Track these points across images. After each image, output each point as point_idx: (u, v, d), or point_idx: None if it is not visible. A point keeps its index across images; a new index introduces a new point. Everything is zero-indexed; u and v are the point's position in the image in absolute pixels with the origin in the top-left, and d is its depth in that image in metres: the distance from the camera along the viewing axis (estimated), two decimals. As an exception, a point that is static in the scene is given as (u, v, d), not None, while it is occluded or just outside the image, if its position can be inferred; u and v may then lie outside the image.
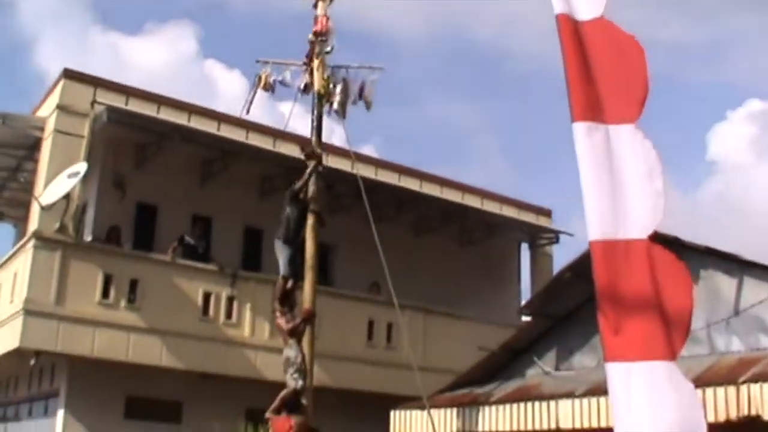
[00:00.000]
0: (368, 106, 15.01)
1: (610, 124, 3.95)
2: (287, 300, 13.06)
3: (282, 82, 14.91)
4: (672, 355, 3.45)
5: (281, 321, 12.71)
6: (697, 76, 68.54)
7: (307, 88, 14.57)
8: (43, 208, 17.69)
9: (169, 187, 20.67)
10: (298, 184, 13.60)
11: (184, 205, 20.85)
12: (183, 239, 19.77)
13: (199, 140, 19.91)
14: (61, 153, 18.48)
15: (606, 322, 3.65)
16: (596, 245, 3.76)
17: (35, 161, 20.10)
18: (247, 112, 15.32)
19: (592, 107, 3.79)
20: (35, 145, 20.04)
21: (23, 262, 18.10)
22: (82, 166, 17.64)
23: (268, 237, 21.68)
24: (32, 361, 17.89)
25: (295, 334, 12.58)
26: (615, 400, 3.47)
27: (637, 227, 3.67)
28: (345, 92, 14.55)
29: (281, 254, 13.59)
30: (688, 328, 3.50)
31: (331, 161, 19.17)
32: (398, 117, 66.11)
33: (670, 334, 3.48)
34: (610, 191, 3.84)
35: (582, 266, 14.72)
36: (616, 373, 3.49)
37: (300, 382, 12.11)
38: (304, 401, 12.36)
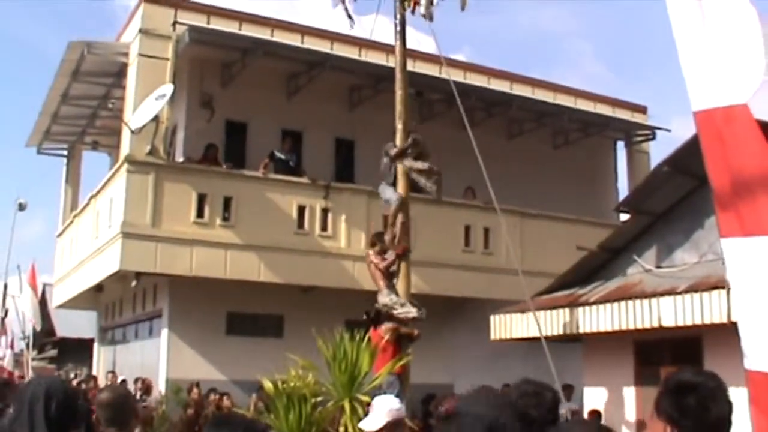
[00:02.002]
0: (463, 4, 14.36)
1: None
2: (382, 237, 12.82)
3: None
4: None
5: (376, 260, 12.41)
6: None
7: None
8: (133, 133, 17.82)
9: (256, 104, 20.61)
10: (395, 151, 13.12)
11: (273, 120, 20.82)
12: (274, 155, 19.77)
13: (283, 54, 19.70)
14: (146, 77, 18.50)
15: (717, 197, 3.38)
16: (700, 116, 3.46)
17: (123, 88, 20.20)
18: (351, 24, 14.84)
19: None
20: (121, 72, 20.15)
21: (118, 186, 18.39)
22: (168, 88, 17.65)
23: (359, 147, 21.69)
24: (134, 283, 18.27)
25: (389, 273, 12.35)
26: (732, 276, 3.22)
27: (739, 93, 3.37)
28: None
29: (385, 193, 13.22)
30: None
31: (419, 67, 18.89)
32: (487, 24, 65.12)
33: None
34: (710, 58, 3.52)
35: (681, 160, 14.33)
36: (731, 248, 3.23)
37: (413, 311, 11.96)
38: (416, 332, 12.24)
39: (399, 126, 13.31)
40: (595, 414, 15.20)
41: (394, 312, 11.83)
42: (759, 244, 3.19)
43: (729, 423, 3.59)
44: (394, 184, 13.19)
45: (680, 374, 3.79)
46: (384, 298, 12.02)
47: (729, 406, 3.58)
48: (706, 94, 3.45)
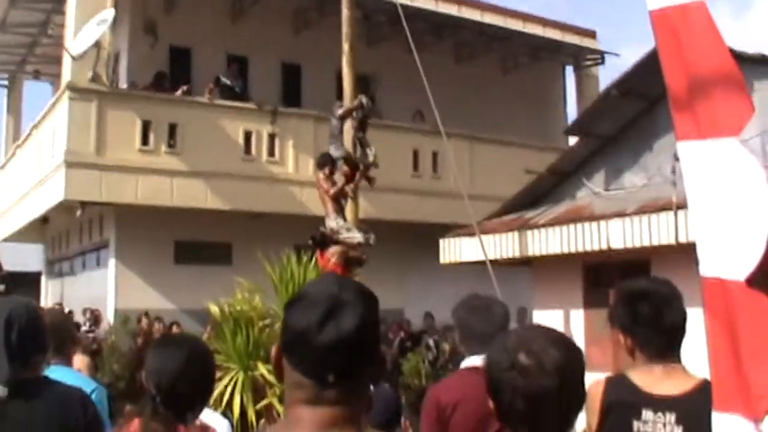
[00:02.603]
0: None
1: None
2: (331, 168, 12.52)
3: None
4: (737, 130, 3.07)
5: (325, 184, 12.15)
6: None
7: None
8: (74, 59, 17.36)
9: (200, 29, 20.20)
10: (341, 112, 12.70)
11: (218, 45, 20.42)
12: (219, 80, 19.45)
13: (226, -24, 19.30)
14: (87, 2, 17.92)
15: (673, 99, 3.25)
16: (655, 14, 3.31)
17: (63, 14, 19.59)
18: None
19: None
20: (61, -3, 19.58)
21: (60, 115, 17.97)
22: (109, 13, 17.18)
23: (306, 72, 21.43)
24: (78, 212, 17.95)
25: (337, 198, 12.14)
26: (687, 179, 3.12)
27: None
28: None
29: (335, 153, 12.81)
30: (752, 104, 3.10)
31: (366, -11, 18.57)
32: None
33: (736, 108, 3.10)
34: None
35: (630, 82, 14.30)
36: (687, 152, 3.12)
37: (358, 236, 11.79)
38: (364, 256, 12.06)
39: (345, 47, 13.05)
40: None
41: (340, 237, 11.67)
42: (715, 146, 3.09)
43: (683, 330, 3.53)
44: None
45: (633, 282, 3.72)
46: (331, 222, 11.85)
47: (683, 313, 3.52)
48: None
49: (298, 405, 2.04)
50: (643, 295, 3.54)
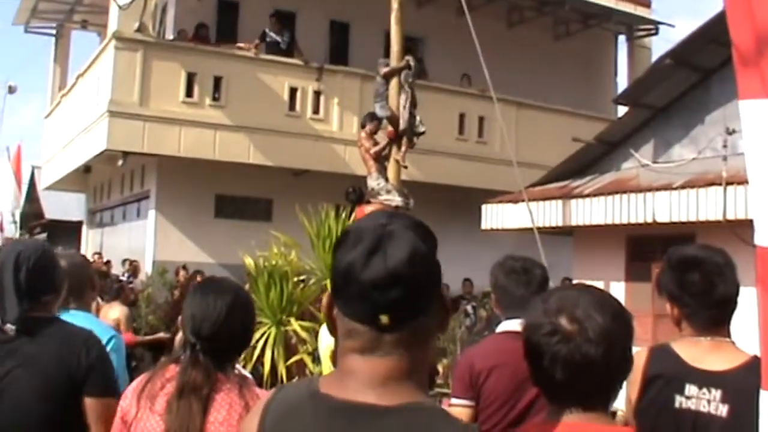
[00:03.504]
0: None
1: None
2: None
3: None
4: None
5: (366, 143, 12.00)
6: None
7: None
8: (120, 8, 17.27)
9: (249, -18, 20.02)
10: (386, 70, 12.45)
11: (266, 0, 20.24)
12: (265, 35, 19.26)
13: (279, -71, 19.09)
14: (136, -49, 17.84)
15: (738, 56, 3.03)
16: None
17: (112, -38, 19.55)
18: None
19: None
20: (114, -53, 19.46)
21: (105, 64, 17.97)
22: (159, -39, 17.11)
23: (354, 30, 21.23)
24: (120, 162, 17.97)
25: (380, 158, 12.00)
26: (746, 141, 2.91)
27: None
28: None
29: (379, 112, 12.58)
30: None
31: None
32: None
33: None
34: None
35: (684, 53, 13.96)
36: (750, 111, 2.91)
37: (397, 199, 11.62)
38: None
39: (394, 6, 12.81)
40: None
41: (379, 198, 11.54)
42: None
43: (734, 304, 3.34)
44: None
45: (684, 248, 3.53)
46: (372, 182, 11.74)
47: (736, 286, 3.32)
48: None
49: (350, 355, 1.88)
50: (694, 263, 3.35)
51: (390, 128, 12.14)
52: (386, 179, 11.91)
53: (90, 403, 3.51)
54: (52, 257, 3.76)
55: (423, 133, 12.43)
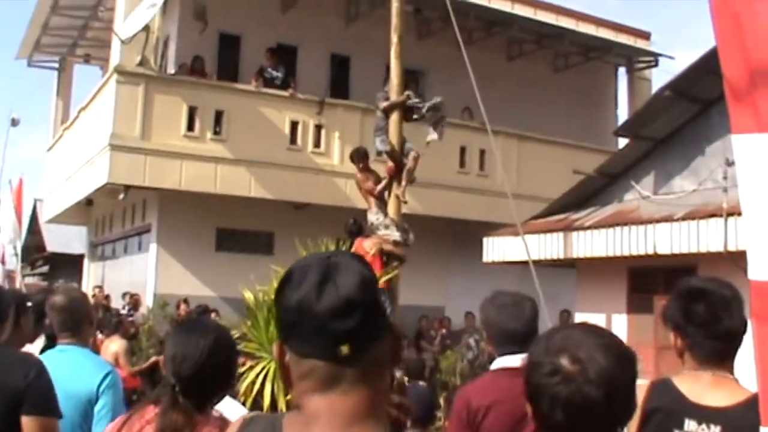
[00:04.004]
0: None
1: None
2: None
3: None
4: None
5: (368, 183, 11.89)
6: None
7: None
8: (122, 42, 17.38)
9: (251, 16, 20.15)
10: (385, 105, 12.31)
11: (267, 33, 20.31)
12: (263, 70, 19.33)
13: (280, -36, 19.21)
14: (138, -15, 17.94)
15: (730, 89, 3.03)
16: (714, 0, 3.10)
17: (114, -3, 19.68)
18: None
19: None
20: (113, -20, 19.60)
21: (107, 97, 18.04)
22: (159, -3, 17.17)
23: (355, 64, 21.30)
24: (121, 196, 18.03)
25: (380, 193, 11.91)
26: (740, 175, 2.90)
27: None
28: None
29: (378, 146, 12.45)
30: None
31: (418, -18, 18.40)
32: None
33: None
34: None
35: (683, 85, 14.02)
36: (743, 146, 2.90)
37: (396, 234, 11.53)
38: (403, 253, 11.78)
39: (394, 39, 12.79)
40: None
41: (378, 233, 11.48)
42: None
43: (739, 339, 3.30)
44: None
45: (693, 280, 3.52)
46: (372, 217, 11.66)
47: (742, 320, 3.28)
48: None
49: (310, 395, 1.83)
50: (701, 294, 3.32)
51: (390, 164, 12.07)
52: (386, 214, 11.83)
53: (27, 422, 3.49)
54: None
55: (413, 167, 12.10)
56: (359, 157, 12.17)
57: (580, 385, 2.08)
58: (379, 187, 11.75)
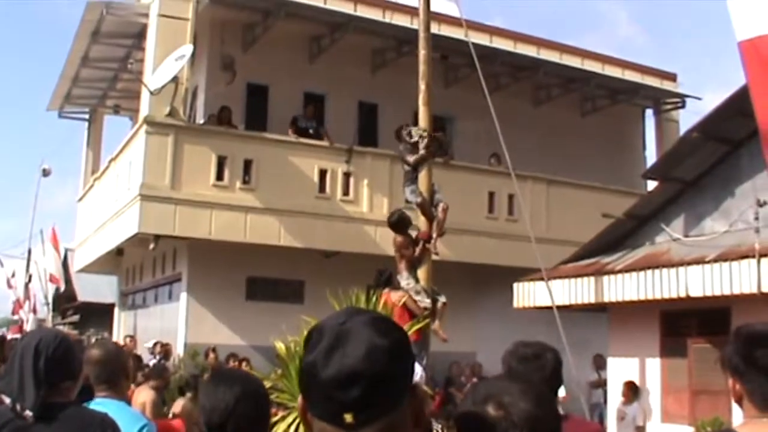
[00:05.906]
0: None
1: None
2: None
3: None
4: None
5: (409, 251, 11.73)
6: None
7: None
8: (152, 93, 17.59)
9: (278, 66, 20.35)
10: (415, 158, 12.30)
11: (295, 83, 20.57)
12: (296, 120, 19.52)
13: (306, 15, 19.41)
14: (166, 38, 18.15)
15: (763, 130, 3.04)
16: (744, 45, 3.11)
17: (143, 49, 19.93)
18: None
19: None
20: (141, 33, 19.88)
21: (137, 148, 18.24)
22: (188, 49, 17.39)
23: (382, 111, 21.42)
24: (151, 246, 18.11)
25: (414, 261, 11.81)
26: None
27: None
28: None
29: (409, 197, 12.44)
30: None
31: (444, 30, 18.48)
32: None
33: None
34: None
35: (711, 126, 13.97)
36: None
37: (426, 302, 11.46)
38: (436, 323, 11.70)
39: (422, 87, 12.86)
40: (631, 385, 14.86)
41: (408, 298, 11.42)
42: None
43: None
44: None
45: (754, 325, 3.48)
46: (402, 282, 11.59)
47: None
48: (751, 22, 3.13)
49: None
50: (763, 338, 3.29)
51: (423, 229, 11.96)
52: (417, 280, 11.74)
53: None
54: (71, 345, 3.85)
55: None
56: (406, 225, 11.96)
57: (504, 428, 2.12)
58: (413, 255, 11.65)
